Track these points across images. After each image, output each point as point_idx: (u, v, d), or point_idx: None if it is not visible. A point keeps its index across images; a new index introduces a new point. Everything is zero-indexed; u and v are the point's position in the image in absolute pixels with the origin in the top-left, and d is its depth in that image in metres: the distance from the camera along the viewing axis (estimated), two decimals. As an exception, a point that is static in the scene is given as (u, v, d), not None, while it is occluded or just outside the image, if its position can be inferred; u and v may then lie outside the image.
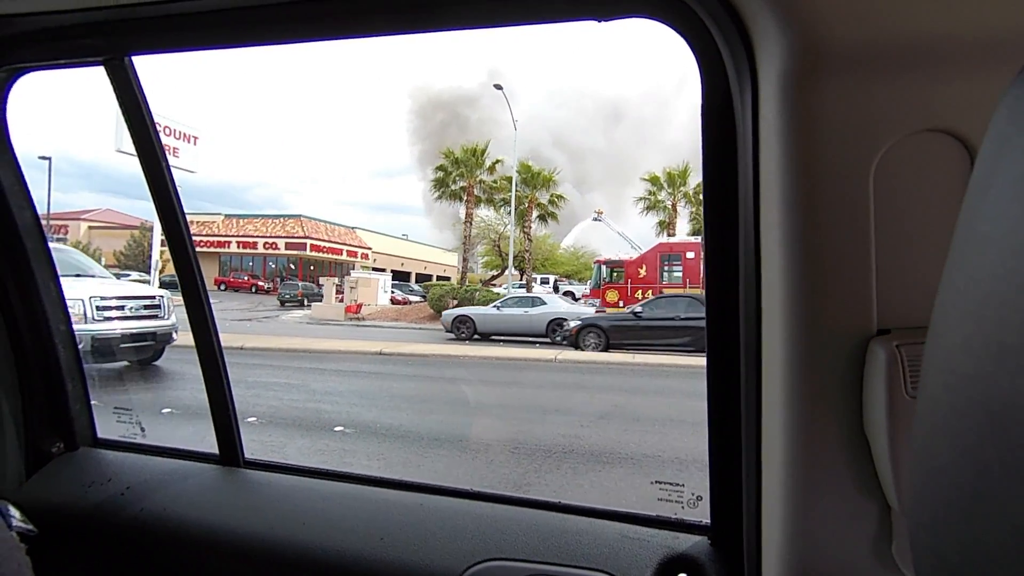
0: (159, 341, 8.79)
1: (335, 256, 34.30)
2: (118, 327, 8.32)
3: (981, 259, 0.23)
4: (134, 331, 8.52)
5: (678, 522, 1.16)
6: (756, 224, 0.85)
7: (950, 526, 0.23)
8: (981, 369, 0.22)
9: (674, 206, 26.41)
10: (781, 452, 0.82)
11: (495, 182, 26.37)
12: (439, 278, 35.13)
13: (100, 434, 1.64)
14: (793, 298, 0.79)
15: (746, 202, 0.87)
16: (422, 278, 34.86)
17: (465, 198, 26.10)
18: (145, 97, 1.30)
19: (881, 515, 0.79)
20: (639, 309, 13.92)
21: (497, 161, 26.14)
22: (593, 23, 0.97)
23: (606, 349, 13.05)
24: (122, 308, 8.47)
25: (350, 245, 35.34)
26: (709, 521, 1.07)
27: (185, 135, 16.01)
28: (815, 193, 0.76)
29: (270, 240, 32.35)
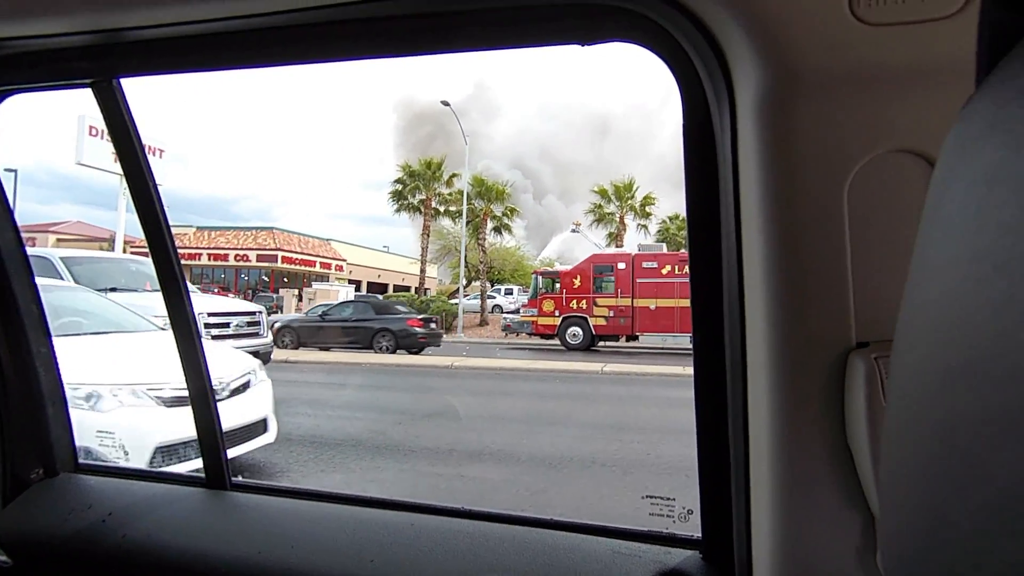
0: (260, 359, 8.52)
1: (308, 268, 34.40)
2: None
3: (931, 283, 0.24)
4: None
5: (669, 537, 1.17)
6: (738, 240, 0.87)
7: (911, 537, 0.24)
8: (930, 390, 0.23)
9: (622, 219, 27.33)
10: (768, 465, 0.84)
11: (450, 195, 27.02)
12: (396, 288, 35.20)
13: (82, 459, 1.60)
14: (775, 313, 0.81)
15: (728, 219, 0.90)
16: (400, 289, 34.82)
17: (423, 211, 26.66)
18: (133, 118, 1.30)
19: (866, 525, 0.81)
20: (325, 311, 15.82)
21: (454, 175, 26.87)
22: (577, 47, 1.00)
23: (297, 347, 14.73)
24: (227, 326, 8.19)
25: (324, 257, 35.39)
26: (700, 535, 1.07)
27: (151, 147, 16.13)
28: (792, 211, 0.79)
29: (241, 252, 32.26)
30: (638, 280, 16.44)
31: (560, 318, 17.42)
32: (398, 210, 27.36)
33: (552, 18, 0.96)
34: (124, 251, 15.04)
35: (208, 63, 1.14)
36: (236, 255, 32.35)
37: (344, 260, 35.98)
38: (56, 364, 1.54)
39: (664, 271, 16.28)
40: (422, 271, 26.34)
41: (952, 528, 0.20)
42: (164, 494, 1.46)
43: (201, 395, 1.48)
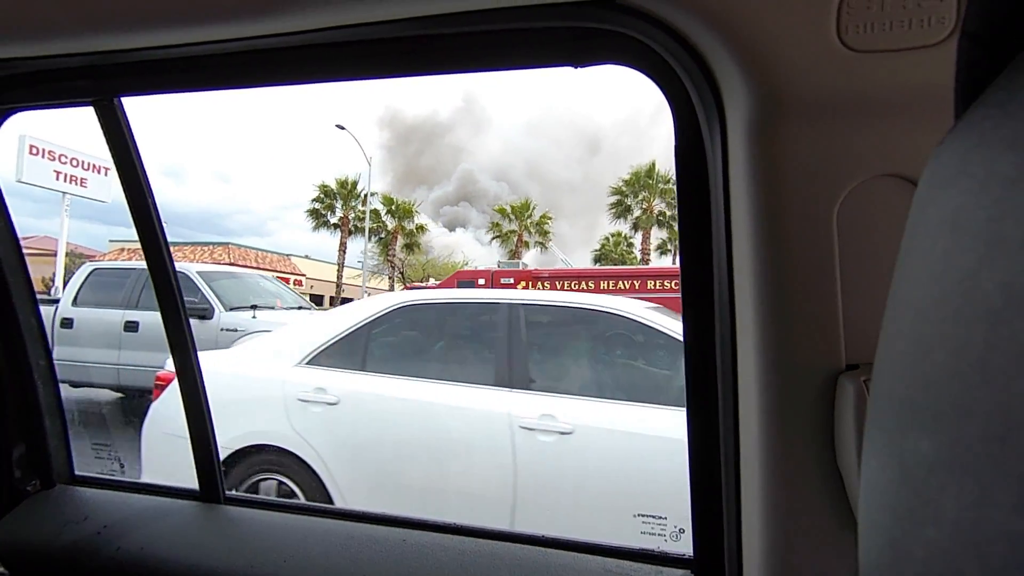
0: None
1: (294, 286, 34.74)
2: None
3: (902, 316, 0.25)
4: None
5: (661, 556, 1.17)
6: (729, 261, 0.88)
7: (878, 566, 0.24)
8: (894, 422, 0.24)
9: (519, 236, 29.05)
10: (759, 486, 0.84)
11: (361, 214, 28.31)
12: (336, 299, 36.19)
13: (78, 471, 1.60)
14: (766, 334, 0.81)
15: (719, 239, 0.91)
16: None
17: (341, 228, 27.88)
18: (133, 136, 1.32)
19: (856, 546, 0.83)
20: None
21: (373, 193, 28.29)
22: (569, 68, 1.01)
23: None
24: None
25: (282, 272, 35.50)
26: (692, 554, 1.07)
27: (95, 166, 16.49)
28: (783, 233, 0.80)
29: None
30: None
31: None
32: (315, 228, 28.84)
33: (545, 41, 0.98)
34: (64, 260, 15.17)
35: (208, 83, 1.16)
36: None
37: (303, 275, 36.05)
38: (55, 376, 1.55)
39: (520, 287, 16.71)
40: (338, 285, 27.37)
41: (909, 561, 0.21)
42: (158, 507, 1.46)
43: (196, 407, 1.49)
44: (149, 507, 1.46)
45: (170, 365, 6.23)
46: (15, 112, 1.33)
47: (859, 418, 0.75)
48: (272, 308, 8.66)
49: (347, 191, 27.52)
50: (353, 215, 28.10)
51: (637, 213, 29.34)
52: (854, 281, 0.78)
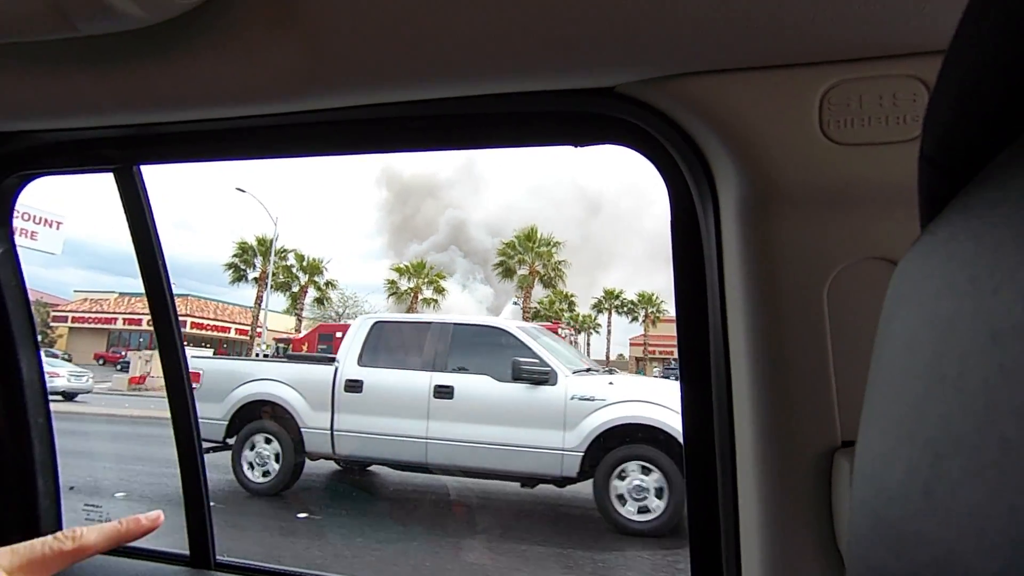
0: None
1: (223, 333, 35.96)
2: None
3: (866, 431, 0.26)
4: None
5: None
6: (725, 338, 0.90)
7: None
8: (864, 528, 0.24)
9: (415, 294, 31.52)
10: (759, 566, 0.83)
11: (276, 271, 30.34)
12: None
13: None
14: (761, 410, 0.82)
15: (715, 317, 0.93)
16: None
17: (259, 283, 29.54)
18: (149, 202, 1.37)
19: None
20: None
21: (290, 250, 30.79)
22: (570, 148, 1.08)
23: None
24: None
25: (241, 323, 35.57)
26: None
27: (47, 220, 16.91)
28: (776, 310, 0.82)
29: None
30: None
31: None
32: (233, 282, 30.47)
33: (548, 123, 1.03)
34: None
35: (225, 154, 1.22)
36: (148, 320, 32.58)
37: (263, 327, 35.77)
38: (52, 435, 1.53)
39: None
40: (252, 337, 28.82)
41: None
42: (147, 573, 1.43)
43: (191, 466, 1.48)
44: (138, 573, 1.42)
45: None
46: (36, 178, 1.38)
47: None
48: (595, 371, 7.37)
49: (264, 248, 29.74)
50: (273, 270, 30.19)
51: (523, 272, 32.00)
52: (846, 359, 0.80)
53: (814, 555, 0.80)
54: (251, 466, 7.08)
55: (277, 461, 7.04)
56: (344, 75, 0.93)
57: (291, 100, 0.99)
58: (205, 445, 7.17)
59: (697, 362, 0.97)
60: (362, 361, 7.05)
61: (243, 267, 29.78)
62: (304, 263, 30.07)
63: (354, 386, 6.87)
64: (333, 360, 7.21)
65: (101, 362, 31.15)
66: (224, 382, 7.33)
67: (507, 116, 1.03)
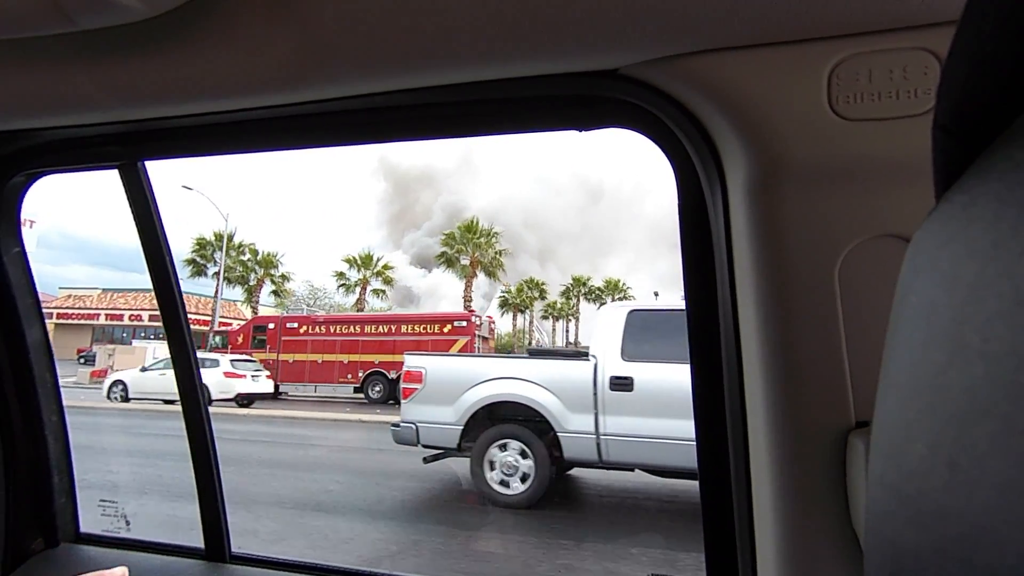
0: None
1: (203, 327, 35.52)
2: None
3: (883, 408, 0.25)
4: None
5: None
6: (735, 320, 0.89)
7: None
8: (883, 509, 0.24)
9: (364, 285, 32.48)
10: (774, 550, 0.82)
11: (232, 265, 31.15)
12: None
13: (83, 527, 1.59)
14: (773, 393, 0.81)
15: (724, 298, 0.92)
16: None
17: (216, 278, 29.97)
18: (155, 198, 1.38)
19: None
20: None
21: (248, 245, 31.67)
22: (574, 133, 1.06)
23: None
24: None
25: (224, 316, 35.71)
26: None
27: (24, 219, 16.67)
28: (785, 292, 0.81)
29: (135, 312, 34.47)
30: (283, 338, 19.42)
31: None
32: (191, 276, 31.43)
33: (552, 108, 1.02)
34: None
35: (229, 147, 1.22)
36: (130, 315, 35.04)
37: (245, 319, 36.11)
38: (66, 432, 1.55)
39: (302, 330, 19.13)
40: (211, 328, 29.18)
41: None
42: (163, 567, 1.45)
43: (204, 462, 1.49)
44: (154, 567, 1.45)
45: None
46: (42, 176, 1.39)
47: None
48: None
49: (218, 243, 30.61)
50: (229, 264, 31.16)
51: (465, 262, 33.02)
52: (859, 338, 0.79)
53: (829, 537, 0.79)
54: (501, 478, 6.30)
55: (528, 470, 6.26)
56: (342, 63, 0.92)
57: (291, 90, 0.99)
58: (430, 452, 6.62)
59: (707, 346, 0.97)
60: (626, 355, 6.10)
61: (201, 262, 30.73)
62: (259, 257, 31.23)
63: (622, 384, 5.99)
64: (586, 355, 6.37)
65: (82, 360, 30.81)
66: (454, 382, 6.64)
67: (509, 102, 1.02)
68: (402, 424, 6.63)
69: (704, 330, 0.97)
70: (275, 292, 32.09)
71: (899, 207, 0.78)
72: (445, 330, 17.82)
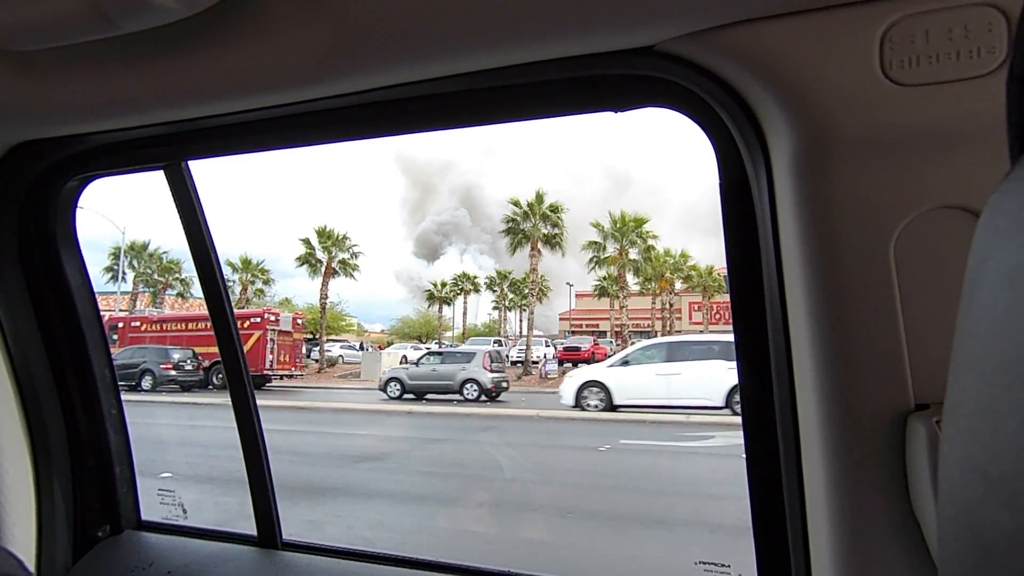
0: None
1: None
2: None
3: (961, 385, 0.24)
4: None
5: None
6: (782, 302, 0.87)
7: None
8: (965, 489, 0.23)
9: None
10: (828, 535, 0.80)
11: (142, 272, 32.16)
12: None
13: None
14: (824, 376, 0.78)
15: (770, 280, 0.89)
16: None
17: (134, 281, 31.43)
18: (199, 196, 1.42)
19: None
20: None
21: (157, 252, 32.21)
22: (609, 114, 1.03)
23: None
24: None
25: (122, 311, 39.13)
26: None
27: None
28: (837, 270, 0.78)
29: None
30: (129, 335, 21.04)
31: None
32: (107, 281, 32.25)
33: (588, 89, 1.00)
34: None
35: (270, 143, 1.25)
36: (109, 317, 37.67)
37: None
38: (125, 425, 1.63)
39: (143, 328, 21.37)
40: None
41: None
42: (219, 553, 1.51)
43: (254, 452, 1.53)
44: (211, 553, 1.51)
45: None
46: (94, 179, 1.45)
47: (934, 463, 0.70)
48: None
49: (137, 251, 32.39)
50: (140, 270, 32.86)
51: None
52: (919, 316, 0.75)
53: (888, 528, 0.76)
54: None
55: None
56: (376, 51, 0.92)
57: (325, 82, 1.00)
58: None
59: (753, 329, 0.94)
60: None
61: (115, 267, 32.71)
62: (162, 263, 33.02)
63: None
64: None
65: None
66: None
67: (543, 85, 1.01)
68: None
69: (749, 312, 0.94)
70: (180, 294, 34.15)
71: (959, 176, 0.73)
72: (245, 326, 19.74)
